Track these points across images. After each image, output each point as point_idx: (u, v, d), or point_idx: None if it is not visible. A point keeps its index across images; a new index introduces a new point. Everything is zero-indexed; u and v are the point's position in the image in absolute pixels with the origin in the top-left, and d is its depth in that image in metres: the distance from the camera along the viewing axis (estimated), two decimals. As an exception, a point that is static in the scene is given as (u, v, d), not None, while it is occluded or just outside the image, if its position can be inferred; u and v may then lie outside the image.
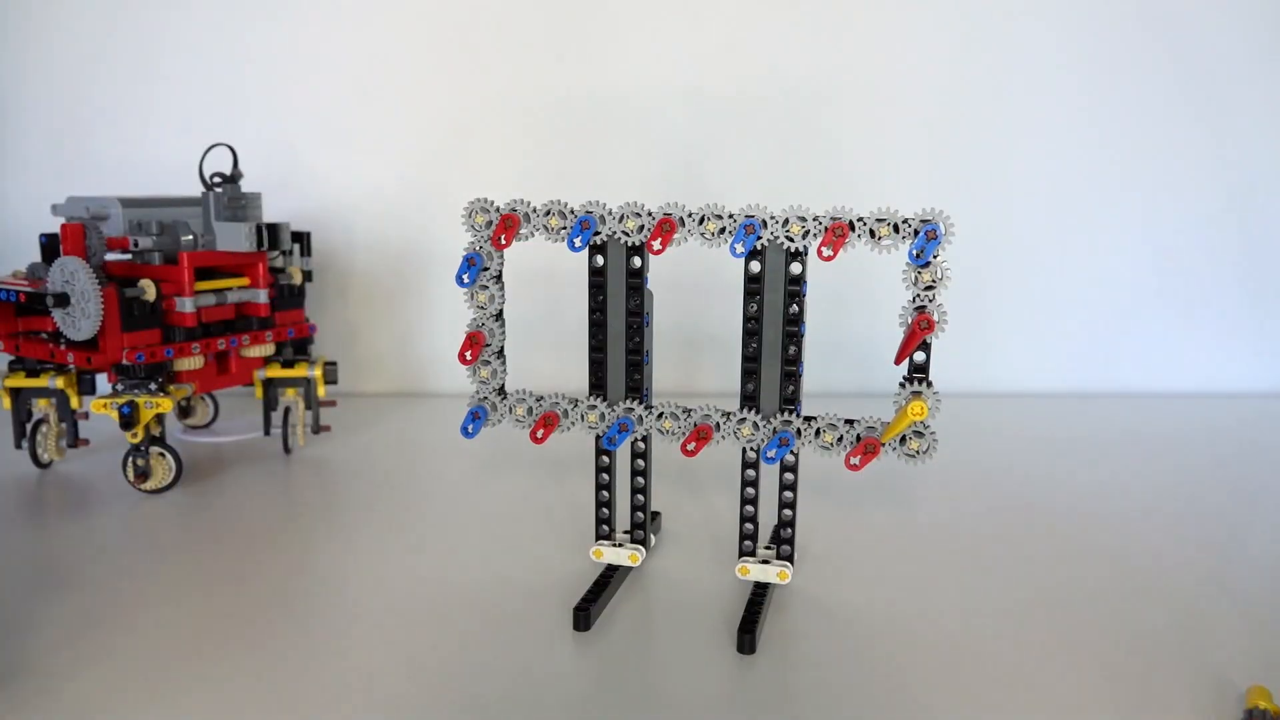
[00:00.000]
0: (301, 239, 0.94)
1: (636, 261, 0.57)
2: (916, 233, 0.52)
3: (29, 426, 0.86)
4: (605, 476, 0.63)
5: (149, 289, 0.79)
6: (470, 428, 0.60)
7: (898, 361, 0.54)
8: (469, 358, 0.59)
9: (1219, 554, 0.70)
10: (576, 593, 0.61)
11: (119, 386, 0.81)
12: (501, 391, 0.60)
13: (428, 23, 1.22)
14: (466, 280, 0.58)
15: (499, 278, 0.59)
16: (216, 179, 0.86)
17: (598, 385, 0.60)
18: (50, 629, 0.57)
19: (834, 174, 1.23)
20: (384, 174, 1.24)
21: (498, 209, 0.57)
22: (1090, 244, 1.25)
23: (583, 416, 0.59)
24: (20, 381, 0.85)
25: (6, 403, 0.85)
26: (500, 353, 0.60)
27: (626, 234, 0.56)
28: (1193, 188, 1.24)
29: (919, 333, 0.52)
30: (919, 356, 0.54)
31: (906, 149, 1.23)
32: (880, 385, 0.94)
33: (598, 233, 0.56)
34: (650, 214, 0.56)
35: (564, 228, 0.57)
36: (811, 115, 1.22)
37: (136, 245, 0.82)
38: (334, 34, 1.22)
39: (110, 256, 0.83)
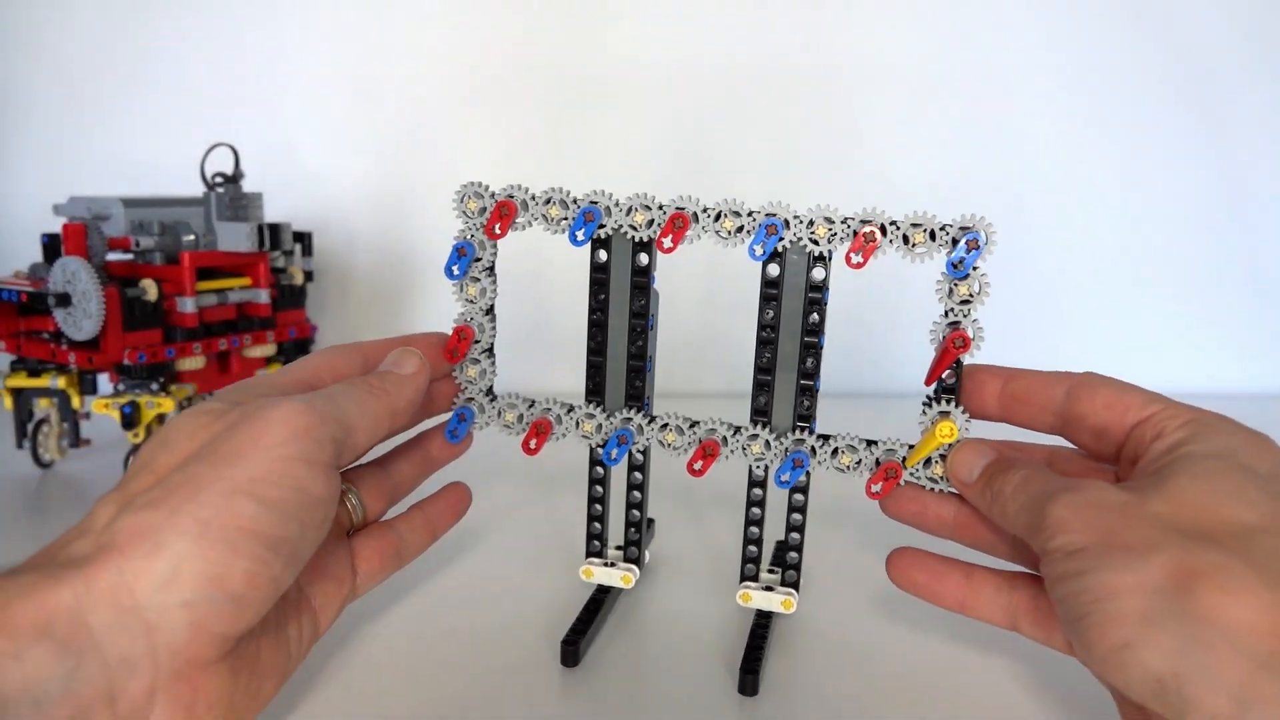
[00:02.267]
0: (303, 239, 0.94)
1: (644, 259, 0.52)
2: (955, 241, 0.47)
3: (30, 426, 0.86)
4: (599, 489, 0.58)
5: (150, 289, 0.79)
6: (456, 431, 0.55)
7: (929, 382, 0.49)
8: (456, 355, 0.54)
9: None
10: (566, 618, 0.56)
11: (121, 386, 0.80)
12: (490, 393, 0.56)
13: (428, 24, 1.18)
14: (456, 272, 0.53)
15: (491, 270, 0.54)
16: (218, 179, 0.86)
17: (595, 391, 0.55)
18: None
19: (846, 162, 1.20)
20: (385, 175, 1.21)
21: (493, 195, 0.52)
22: (1089, 246, 1.23)
23: (577, 424, 0.54)
24: (22, 381, 0.84)
25: (8, 402, 0.85)
26: (490, 351, 0.55)
27: (634, 228, 0.51)
28: (1193, 189, 1.21)
29: (953, 351, 0.47)
30: (948, 375, 0.49)
31: (903, 147, 1.20)
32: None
33: (602, 225, 0.51)
34: (661, 208, 0.50)
35: (565, 218, 0.52)
36: (824, 99, 1.19)
37: (138, 245, 0.82)
38: (335, 35, 1.19)
39: (112, 256, 0.83)
